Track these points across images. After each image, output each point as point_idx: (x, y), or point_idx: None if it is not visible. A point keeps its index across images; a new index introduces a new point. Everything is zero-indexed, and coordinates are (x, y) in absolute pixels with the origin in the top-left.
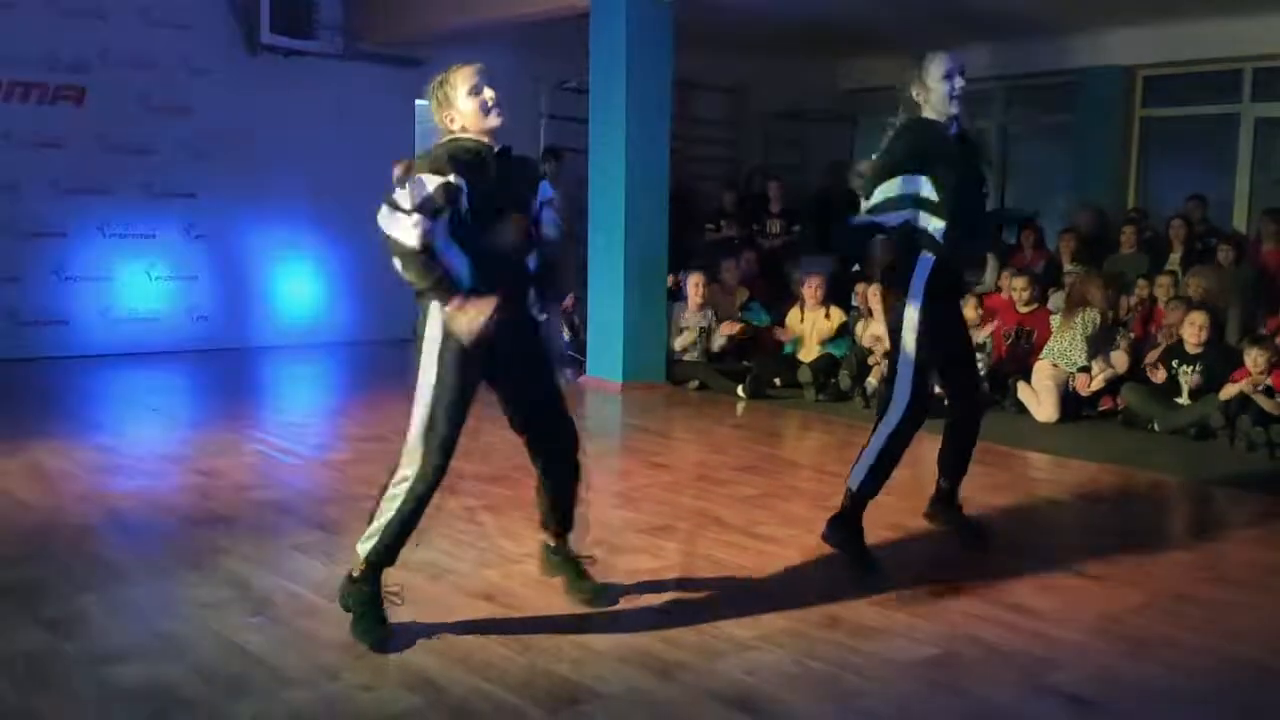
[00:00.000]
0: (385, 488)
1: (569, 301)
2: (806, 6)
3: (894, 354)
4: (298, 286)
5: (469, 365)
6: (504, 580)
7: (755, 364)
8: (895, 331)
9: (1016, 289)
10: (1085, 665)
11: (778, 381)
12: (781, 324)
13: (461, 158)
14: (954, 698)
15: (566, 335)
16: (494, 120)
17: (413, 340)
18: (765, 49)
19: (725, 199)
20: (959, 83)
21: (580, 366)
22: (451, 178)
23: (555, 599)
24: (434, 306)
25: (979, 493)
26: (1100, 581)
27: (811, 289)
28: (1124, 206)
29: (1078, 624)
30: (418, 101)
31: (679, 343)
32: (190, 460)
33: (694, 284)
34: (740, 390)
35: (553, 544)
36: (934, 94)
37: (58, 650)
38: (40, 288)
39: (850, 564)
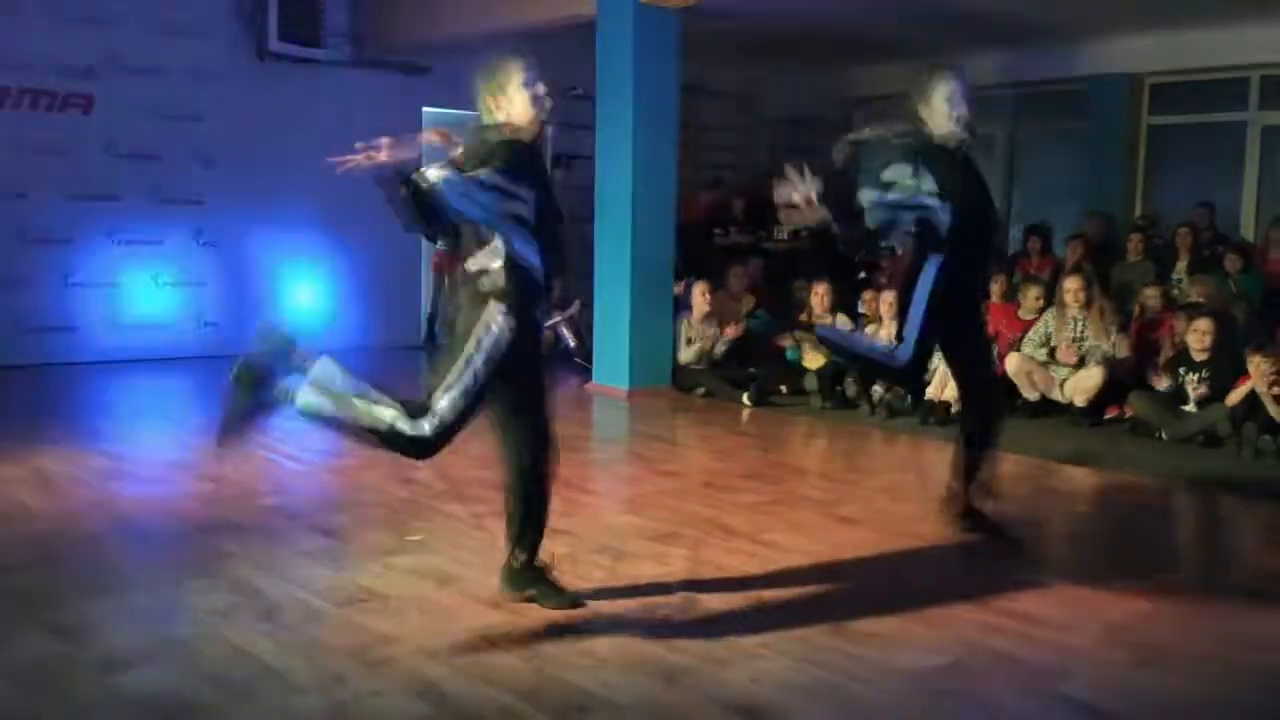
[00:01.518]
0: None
1: (575, 308)
2: (813, 14)
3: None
4: (305, 292)
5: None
6: None
7: (761, 371)
8: None
9: (1028, 297)
10: (1095, 673)
11: (784, 389)
12: (789, 330)
13: (519, 158)
14: (962, 706)
15: (573, 342)
16: (542, 114)
17: (438, 340)
18: (772, 57)
19: (735, 205)
20: (962, 110)
21: (587, 373)
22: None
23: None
24: (494, 310)
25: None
26: (1110, 590)
27: (818, 296)
28: (1131, 214)
29: (1087, 632)
30: (425, 109)
31: (684, 355)
32: (197, 467)
33: (699, 292)
34: (746, 398)
35: (516, 563)
36: (936, 113)
37: (65, 656)
38: (47, 294)
39: None
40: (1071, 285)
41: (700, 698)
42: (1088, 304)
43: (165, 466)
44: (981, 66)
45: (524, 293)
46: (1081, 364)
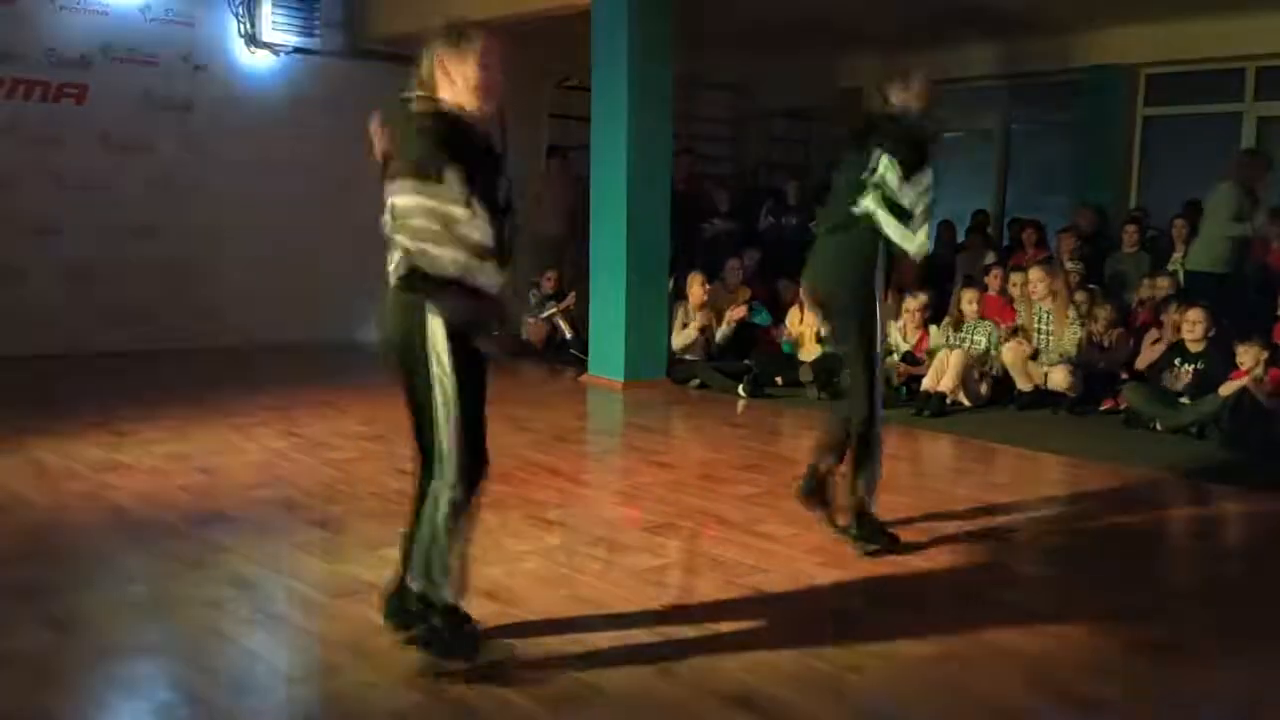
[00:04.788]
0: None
1: (571, 299)
2: (809, 4)
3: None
4: (298, 284)
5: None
6: (506, 578)
7: (756, 363)
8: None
9: (1019, 286)
10: (1088, 664)
11: (779, 380)
12: (781, 324)
13: (460, 136)
14: (956, 696)
15: (569, 333)
16: (486, 105)
17: (398, 349)
18: (768, 47)
19: (718, 197)
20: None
21: (582, 365)
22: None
23: (557, 597)
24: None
25: (979, 491)
26: (1102, 580)
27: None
28: (1125, 205)
29: (1080, 623)
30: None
31: (677, 342)
32: (192, 458)
33: (697, 282)
34: (741, 389)
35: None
36: (910, 102)
37: (61, 648)
38: (42, 285)
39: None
40: (1035, 278)
41: (696, 689)
42: (1053, 296)
43: (160, 458)
44: (977, 57)
45: None
46: (1035, 357)
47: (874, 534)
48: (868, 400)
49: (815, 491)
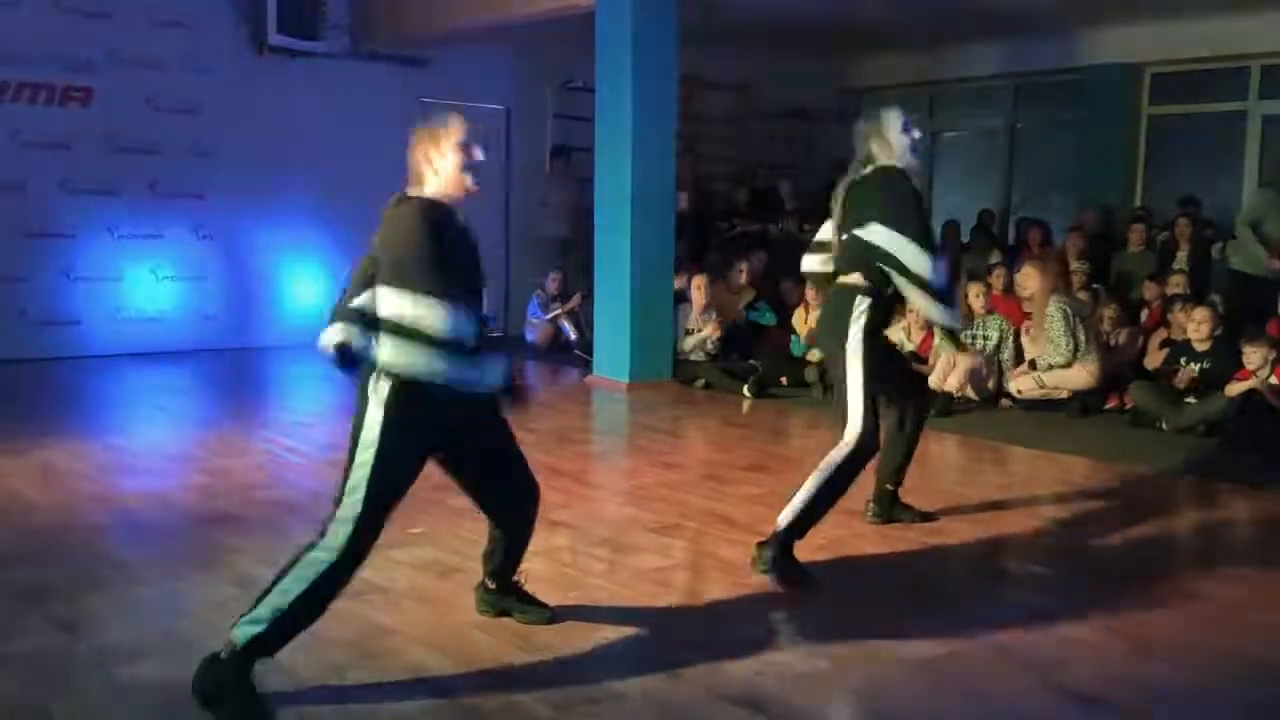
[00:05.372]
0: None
1: (576, 300)
2: (812, 5)
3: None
4: (304, 286)
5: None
6: None
7: (761, 363)
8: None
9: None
10: (1094, 664)
11: (784, 381)
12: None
13: (445, 223)
14: (963, 697)
15: (574, 334)
16: (473, 186)
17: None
18: (771, 48)
19: (739, 197)
20: (916, 135)
21: (587, 366)
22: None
23: (564, 598)
24: (384, 389)
25: (984, 491)
26: (1108, 580)
27: (814, 290)
28: (1131, 204)
29: (1085, 623)
30: (423, 100)
31: (683, 345)
32: (199, 460)
33: (696, 286)
34: (746, 390)
35: (492, 586)
36: (895, 147)
37: (67, 649)
38: (49, 288)
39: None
40: (1023, 275)
41: (703, 690)
42: (1040, 294)
43: (166, 460)
44: (981, 56)
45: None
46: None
47: (791, 565)
48: (865, 421)
49: (888, 510)
